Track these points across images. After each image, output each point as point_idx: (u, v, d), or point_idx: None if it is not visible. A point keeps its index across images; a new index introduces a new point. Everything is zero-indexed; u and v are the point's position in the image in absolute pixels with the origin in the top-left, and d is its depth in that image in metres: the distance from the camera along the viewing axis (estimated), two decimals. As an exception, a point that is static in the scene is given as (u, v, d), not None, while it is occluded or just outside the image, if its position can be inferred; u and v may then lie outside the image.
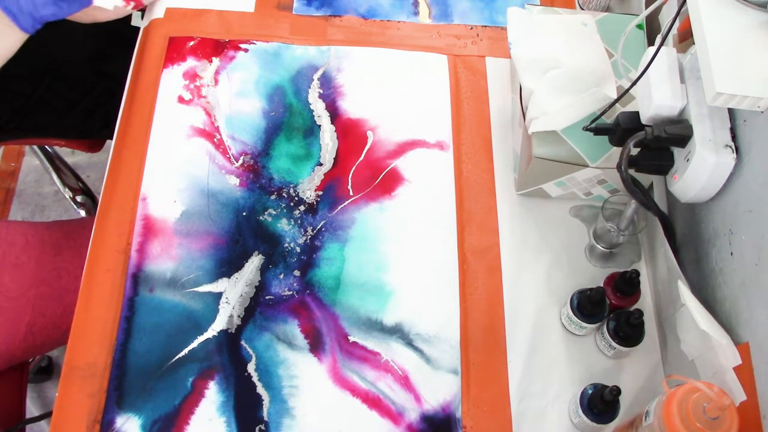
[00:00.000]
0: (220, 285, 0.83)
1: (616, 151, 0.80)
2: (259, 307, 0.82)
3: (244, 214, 0.88)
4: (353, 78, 0.99)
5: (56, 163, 1.53)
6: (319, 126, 0.95)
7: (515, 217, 0.90)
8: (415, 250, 0.87)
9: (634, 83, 0.74)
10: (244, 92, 0.97)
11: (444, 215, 0.89)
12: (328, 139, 0.94)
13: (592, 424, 0.74)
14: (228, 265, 0.85)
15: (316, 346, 0.81)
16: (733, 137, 0.70)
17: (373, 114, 0.96)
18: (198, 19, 1.02)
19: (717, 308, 0.73)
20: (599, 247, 0.86)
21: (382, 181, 0.91)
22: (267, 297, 0.83)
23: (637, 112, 0.76)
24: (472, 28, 1.04)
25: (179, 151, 0.91)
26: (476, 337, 0.82)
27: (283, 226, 0.88)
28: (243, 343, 0.80)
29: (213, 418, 0.76)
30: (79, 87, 1.16)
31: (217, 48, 0.99)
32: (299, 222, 0.88)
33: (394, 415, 0.78)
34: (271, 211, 0.89)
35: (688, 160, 0.71)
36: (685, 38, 0.81)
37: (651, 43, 0.90)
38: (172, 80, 0.97)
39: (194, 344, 0.80)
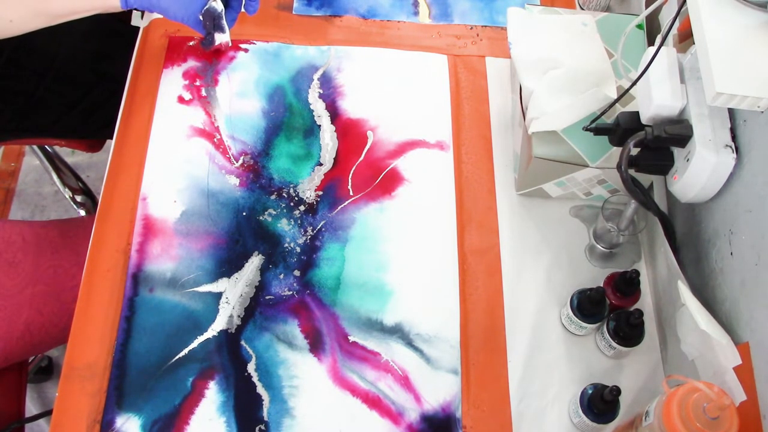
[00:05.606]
0: (220, 285, 0.83)
1: (616, 151, 0.80)
2: (259, 307, 0.82)
3: (244, 214, 0.88)
4: (353, 78, 0.99)
5: (56, 163, 1.52)
6: (319, 126, 0.95)
7: (515, 217, 0.90)
8: (415, 250, 0.87)
9: (634, 83, 0.74)
10: (244, 92, 0.97)
11: (444, 215, 0.89)
12: (328, 139, 0.94)
13: (592, 424, 0.74)
14: (228, 265, 0.85)
15: (316, 346, 0.81)
16: (733, 137, 0.70)
17: (373, 114, 0.96)
18: (198, 19, 1.02)
19: (717, 308, 0.73)
20: (599, 247, 0.86)
21: (382, 181, 0.91)
22: (267, 297, 0.83)
23: (637, 112, 0.76)
24: (472, 28, 1.04)
25: (179, 151, 0.91)
26: (476, 337, 0.82)
27: (283, 226, 0.88)
28: (243, 343, 0.80)
29: (213, 418, 0.76)
30: (79, 87, 1.16)
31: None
32: (299, 222, 0.88)
33: (394, 415, 0.78)
34: (271, 211, 0.89)
35: (688, 160, 0.71)
36: (685, 38, 0.81)
37: (651, 43, 0.90)
38: (172, 80, 0.97)
39: (194, 344, 0.80)
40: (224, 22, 0.92)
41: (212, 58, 0.99)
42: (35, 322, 0.95)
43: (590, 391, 0.74)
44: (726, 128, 0.70)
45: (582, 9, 1.05)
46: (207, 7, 0.89)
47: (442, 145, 0.94)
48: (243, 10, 0.95)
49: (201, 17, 0.90)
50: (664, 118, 0.73)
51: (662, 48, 0.72)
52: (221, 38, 0.94)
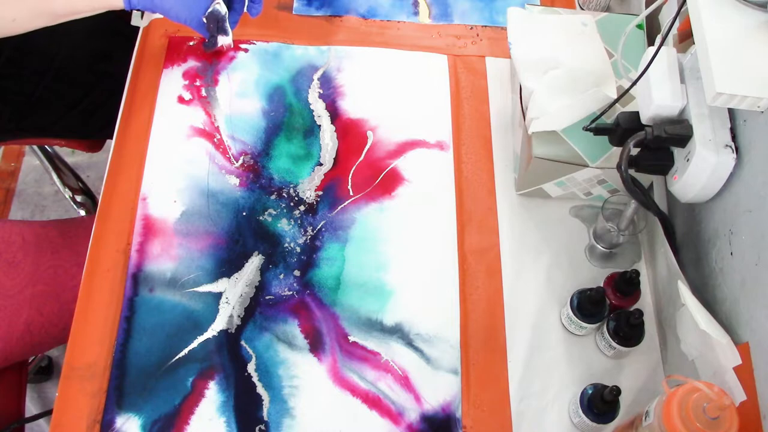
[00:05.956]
0: (220, 285, 0.83)
1: (616, 151, 0.80)
2: (259, 307, 0.82)
3: (244, 214, 0.88)
4: (353, 78, 0.99)
5: (56, 163, 1.52)
6: (319, 126, 0.95)
7: (515, 217, 0.90)
8: (415, 250, 0.87)
9: (634, 83, 0.74)
10: (244, 92, 0.97)
11: (444, 215, 0.89)
12: (328, 139, 0.94)
13: (592, 424, 0.74)
14: (228, 265, 0.85)
15: (316, 346, 0.81)
16: (733, 137, 0.70)
17: (373, 114, 0.96)
18: (198, 19, 1.02)
19: (717, 308, 0.73)
20: (599, 247, 0.86)
21: (382, 181, 0.91)
22: (267, 297, 0.83)
23: (637, 112, 0.76)
24: (472, 28, 1.04)
25: (179, 151, 0.91)
26: (476, 337, 0.82)
27: (283, 226, 0.88)
28: (243, 343, 0.80)
29: (213, 418, 0.76)
30: (79, 87, 1.16)
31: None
32: (299, 222, 0.88)
33: (394, 415, 0.78)
34: (271, 211, 0.89)
35: (688, 160, 0.71)
36: (685, 38, 0.81)
37: (651, 43, 0.90)
38: (172, 80, 0.97)
39: (194, 344, 0.80)
40: (227, 24, 0.92)
41: (212, 58, 0.99)
42: (35, 322, 0.95)
43: (590, 391, 0.74)
44: (726, 128, 0.70)
45: (582, 9, 1.05)
46: (211, 9, 0.89)
47: (442, 145, 0.94)
48: (246, 11, 0.95)
49: (204, 20, 0.90)
50: (664, 118, 0.73)
51: (662, 48, 0.72)
52: (224, 40, 0.94)
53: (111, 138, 0.93)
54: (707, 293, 0.76)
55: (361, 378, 0.79)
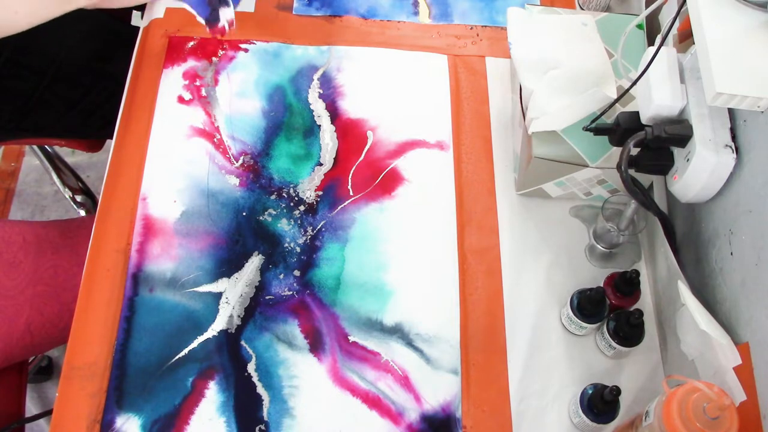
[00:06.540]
0: (220, 285, 0.83)
1: (616, 151, 0.80)
2: (259, 307, 0.82)
3: (244, 214, 0.88)
4: (353, 78, 0.99)
5: (56, 163, 1.52)
6: (319, 126, 0.95)
7: (515, 217, 0.90)
8: (415, 250, 0.87)
9: (634, 83, 0.74)
10: (244, 92, 0.97)
11: (444, 215, 0.89)
12: (328, 139, 0.94)
13: (592, 424, 0.74)
14: (228, 265, 0.85)
15: (316, 346, 0.81)
16: (733, 137, 0.70)
17: (373, 114, 0.96)
18: (198, 19, 1.02)
19: (717, 308, 0.73)
20: (599, 247, 0.86)
21: (382, 181, 0.91)
22: (267, 297, 0.83)
23: (637, 112, 0.76)
24: (472, 28, 1.04)
25: (179, 151, 0.91)
26: (476, 337, 0.82)
27: (283, 226, 0.88)
28: (243, 343, 0.80)
29: (213, 418, 0.76)
30: (79, 87, 1.16)
31: (217, 48, 0.99)
32: (299, 222, 0.88)
33: (394, 415, 0.78)
34: (271, 211, 0.89)
35: (688, 160, 0.71)
36: (685, 38, 0.81)
37: (651, 43, 0.90)
38: (172, 80, 0.97)
39: (194, 344, 0.80)
40: None
41: (212, 57, 0.99)
42: (35, 322, 0.95)
43: (590, 391, 0.74)
44: (726, 128, 0.70)
45: (582, 9, 1.05)
46: None
47: (442, 145, 0.94)
48: None
49: None
50: (664, 118, 0.73)
51: (662, 48, 0.72)
52: (226, 14, 0.89)
53: (111, 138, 0.93)
54: (707, 293, 0.76)
55: (361, 378, 0.79)
